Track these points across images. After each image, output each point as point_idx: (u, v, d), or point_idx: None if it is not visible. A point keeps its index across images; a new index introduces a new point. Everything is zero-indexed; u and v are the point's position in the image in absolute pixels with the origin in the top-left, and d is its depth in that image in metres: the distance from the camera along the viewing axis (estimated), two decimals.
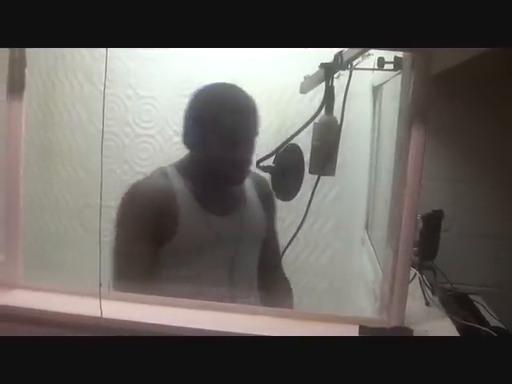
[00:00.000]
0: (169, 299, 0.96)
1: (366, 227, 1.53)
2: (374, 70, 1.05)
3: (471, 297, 1.29)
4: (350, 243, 1.56)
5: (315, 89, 1.26)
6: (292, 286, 1.43)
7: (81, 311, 0.90)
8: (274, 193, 1.09)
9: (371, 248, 1.38)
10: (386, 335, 0.89)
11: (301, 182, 1.08)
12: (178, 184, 1.15)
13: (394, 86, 1.11)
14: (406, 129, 0.89)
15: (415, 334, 0.90)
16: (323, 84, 1.04)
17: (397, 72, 1.02)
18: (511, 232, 1.45)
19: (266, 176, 1.12)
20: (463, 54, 0.84)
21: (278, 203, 1.30)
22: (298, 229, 1.08)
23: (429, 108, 0.87)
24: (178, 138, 1.32)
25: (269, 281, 1.30)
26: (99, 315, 0.86)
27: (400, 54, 0.97)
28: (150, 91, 1.51)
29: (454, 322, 1.01)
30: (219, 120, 1.10)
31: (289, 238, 1.20)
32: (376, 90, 1.46)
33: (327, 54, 1.03)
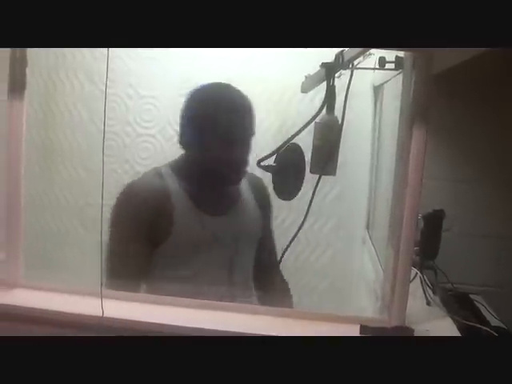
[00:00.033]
0: (169, 298, 0.96)
1: (367, 227, 1.52)
2: (375, 69, 1.05)
3: (472, 297, 1.29)
4: (351, 243, 1.55)
5: (316, 88, 1.26)
6: (293, 286, 1.43)
7: (82, 310, 0.90)
8: (275, 192, 1.09)
9: (372, 248, 1.38)
10: (386, 335, 0.89)
11: (302, 182, 1.08)
12: (173, 184, 1.15)
13: (394, 85, 1.11)
14: (407, 128, 0.89)
15: (416, 334, 0.90)
16: (324, 83, 1.04)
17: (397, 72, 1.02)
18: None
19: (267, 175, 1.12)
20: (463, 54, 0.84)
21: (279, 203, 1.30)
22: (299, 228, 1.08)
23: (430, 108, 0.87)
24: None
25: (266, 281, 1.30)
26: (100, 315, 0.86)
27: (401, 53, 0.97)
28: (150, 91, 1.51)
29: (455, 321, 1.01)
30: (214, 120, 1.10)
31: (289, 238, 1.20)
32: (377, 90, 1.46)
33: (328, 54, 1.02)
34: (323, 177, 1.07)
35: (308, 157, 1.06)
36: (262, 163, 1.05)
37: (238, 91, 1.14)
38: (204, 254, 1.14)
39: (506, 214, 1.44)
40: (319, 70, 1.07)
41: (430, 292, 1.14)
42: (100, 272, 1.10)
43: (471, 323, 1.03)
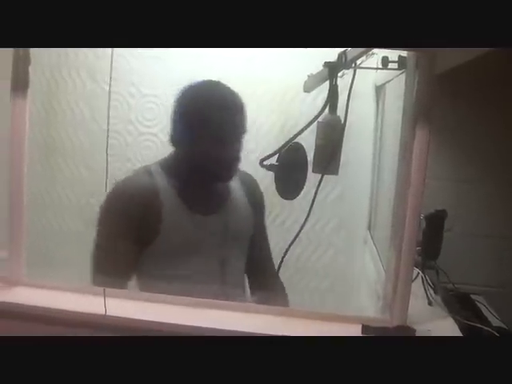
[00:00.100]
0: (171, 297, 0.97)
1: (369, 227, 1.52)
2: (378, 69, 1.05)
3: (473, 297, 1.29)
4: (353, 243, 1.55)
5: (318, 88, 1.26)
6: (294, 286, 1.43)
7: (84, 309, 0.90)
8: (278, 191, 1.09)
9: (374, 247, 1.38)
10: (388, 335, 0.89)
11: (304, 181, 1.08)
12: (162, 182, 1.14)
13: (397, 85, 1.11)
14: (410, 128, 0.89)
15: (418, 334, 0.90)
16: (327, 83, 1.04)
17: (400, 71, 1.02)
18: None
19: (269, 174, 1.12)
20: (467, 54, 0.84)
21: (281, 202, 1.30)
22: (301, 228, 1.07)
23: (433, 107, 0.87)
24: None
25: (258, 278, 1.30)
26: (103, 313, 0.86)
27: (404, 53, 0.96)
28: (153, 89, 1.51)
29: (457, 321, 1.01)
30: (204, 117, 1.10)
31: (291, 238, 1.20)
32: (379, 90, 1.46)
33: (331, 53, 1.02)
34: (325, 176, 1.07)
35: (310, 156, 1.06)
36: (265, 162, 1.05)
37: (229, 89, 1.13)
38: (194, 252, 1.13)
39: (508, 213, 1.44)
40: (322, 70, 1.06)
41: (432, 292, 1.14)
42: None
43: (473, 323, 1.02)
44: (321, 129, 1.02)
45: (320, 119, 1.02)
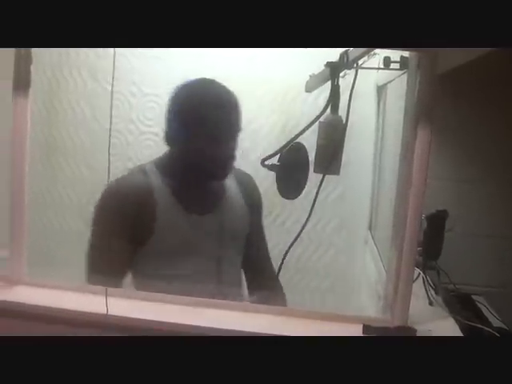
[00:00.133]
0: (170, 297, 0.97)
1: (370, 227, 1.52)
2: (380, 69, 1.05)
3: (474, 297, 1.29)
4: (353, 243, 1.56)
5: (320, 88, 1.26)
6: (294, 286, 1.43)
7: (86, 308, 0.90)
8: (279, 191, 1.08)
9: (374, 248, 1.38)
10: (389, 335, 0.89)
11: (305, 181, 1.08)
12: (157, 181, 1.14)
13: (398, 85, 1.11)
14: (411, 128, 0.89)
15: (419, 334, 0.90)
16: (328, 83, 1.03)
17: (402, 72, 1.02)
18: None
19: (270, 174, 1.12)
20: (469, 54, 0.84)
21: (282, 202, 1.30)
22: (303, 228, 1.07)
23: (434, 108, 0.87)
24: None
25: (256, 278, 1.29)
26: (104, 312, 0.86)
27: (406, 53, 0.96)
28: (154, 89, 1.51)
29: (457, 322, 1.01)
30: (199, 115, 1.09)
31: (292, 237, 1.20)
32: (380, 90, 1.46)
33: (333, 53, 1.02)
34: (326, 176, 1.07)
35: (312, 156, 1.06)
36: (266, 162, 1.05)
37: (224, 87, 1.13)
38: (190, 252, 1.13)
39: (509, 214, 1.43)
40: (324, 70, 1.06)
41: (433, 292, 1.14)
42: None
43: (473, 324, 1.02)
44: (322, 129, 1.02)
45: (322, 119, 1.02)
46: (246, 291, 1.30)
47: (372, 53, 1.01)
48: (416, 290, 1.02)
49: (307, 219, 1.08)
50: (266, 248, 1.33)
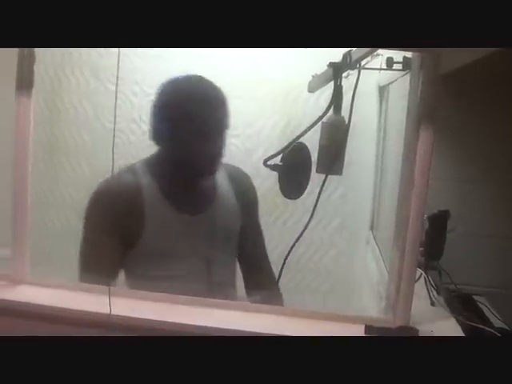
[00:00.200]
0: (172, 296, 0.97)
1: (371, 227, 1.53)
2: (382, 69, 1.05)
3: (475, 298, 1.29)
4: (355, 243, 1.56)
5: (322, 88, 1.26)
6: (295, 286, 1.43)
7: (89, 308, 0.90)
8: (281, 191, 1.08)
9: (376, 248, 1.38)
10: (391, 335, 0.89)
11: (308, 181, 1.08)
12: (146, 181, 1.13)
13: (401, 86, 1.11)
14: (414, 129, 0.89)
15: (421, 334, 0.90)
16: (331, 83, 1.04)
17: (404, 72, 1.02)
18: None
19: (273, 174, 1.12)
20: (472, 54, 0.84)
21: (283, 202, 1.30)
22: (305, 228, 1.07)
23: (437, 108, 0.87)
24: None
25: (253, 277, 1.28)
26: (108, 312, 0.86)
27: (409, 54, 0.96)
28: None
29: (459, 322, 1.01)
30: (185, 112, 1.07)
31: (293, 237, 1.20)
32: (382, 90, 1.46)
33: (336, 53, 1.02)
34: (328, 176, 1.07)
35: (314, 156, 1.06)
36: (269, 162, 1.05)
37: (210, 83, 1.11)
38: (181, 252, 1.12)
39: (511, 214, 1.43)
40: (326, 70, 1.06)
41: (435, 292, 1.14)
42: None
43: (475, 324, 1.03)
44: (325, 129, 1.02)
45: (324, 119, 1.02)
46: (240, 291, 1.28)
47: (375, 53, 1.01)
48: (418, 291, 1.02)
49: (309, 219, 1.08)
50: (263, 245, 1.31)
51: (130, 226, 1.10)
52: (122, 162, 1.50)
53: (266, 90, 1.47)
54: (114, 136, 0.87)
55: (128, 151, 1.53)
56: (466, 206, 1.43)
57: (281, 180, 1.07)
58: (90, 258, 1.09)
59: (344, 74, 1.02)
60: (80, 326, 0.88)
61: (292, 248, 1.10)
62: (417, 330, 0.91)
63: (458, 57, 0.89)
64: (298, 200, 1.14)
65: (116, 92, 0.93)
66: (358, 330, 0.90)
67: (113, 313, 0.85)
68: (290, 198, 1.12)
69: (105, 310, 0.86)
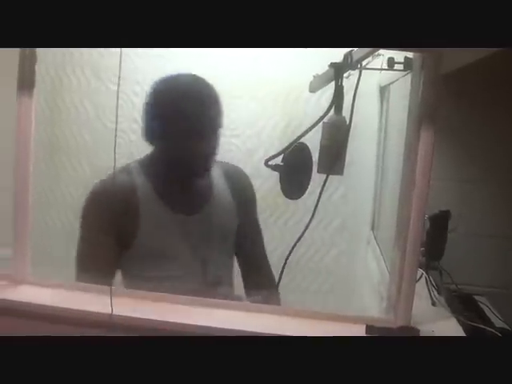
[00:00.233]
0: (173, 296, 0.97)
1: (372, 227, 1.53)
2: (383, 70, 1.05)
3: (476, 298, 1.29)
4: (356, 243, 1.56)
5: (323, 88, 1.26)
6: (296, 285, 1.43)
7: (90, 308, 0.90)
8: (282, 191, 1.08)
9: (377, 248, 1.38)
10: (392, 335, 0.89)
11: (309, 181, 1.08)
12: (140, 181, 1.12)
13: (402, 86, 1.11)
14: (415, 129, 0.89)
15: (422, 334, 0.90)
16: (332, 83, 1.03)
17: (405, 72, 1.02)
18: None
19: (274, 174, 1.12)
20: (473, 54, 0.84)
21: (284, 202, 1.30)
22: (306, 228, 1.07)
23: (438, 108, 0.87)
24: None
25: (251, 276, 1.28)
26: (109, 312, 0.86)
27: (410, 54, 0.96)
28: None
29: (460, 322, 1.01)
30: (177, 111, 1.06)
31: (294, 237, 1.20)
32: (383, 90, 1.46)
33: (337, 54, 1.02)
34: (329, 176, 1.07)
35: (315, 156, 1.06)
36: (270, 162, 1.05)
37: (204, 81, 1.11)
38: (176, 253, 1.12)
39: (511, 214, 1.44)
40: (328, 70, 1.06)
41: (435, 293, 1.14)
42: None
43: (476, 324, 1.03)
44: (326, 129, 1.02)
45: (325, 120, 1.02)
46: (239, 291, 1.28)
47: (376, 53, 1.01)
48: (419, 291, 1.03)
49: (310, 219, 1.08)
50: (262, 244, 1.31)
51: (125, 227, 1.09)
52: (123, 162, 1.51)
53: (267, 90, 1.47)
54: (115, 136, 0.87)
55: (129, 151, 1.53)
56: (467, 206, 1.43)
57: (282, 180, 1.07)
58: (86, 258, 1.09)
59: (345, 74, 1.02)
60: (81, 326, 0.88)
61: (293, 248, 1.10)
62: (418, 330, 0.91)
63: (459, 57, 0.89)
64: (299, 200, 1.14)
65: (118, 92, 0.93)
66: (359, 330, 0.90)
67: (114, 313, 0.85)
68: (291, 198, 1.12)
69: (106, 310, 0.86)
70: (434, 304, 1.10)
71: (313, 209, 1.05)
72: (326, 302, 1.55)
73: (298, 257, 1.52)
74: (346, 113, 1.04)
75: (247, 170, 1.31)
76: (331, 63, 1.02)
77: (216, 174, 1.22)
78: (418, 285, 0.99)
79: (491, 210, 1.44)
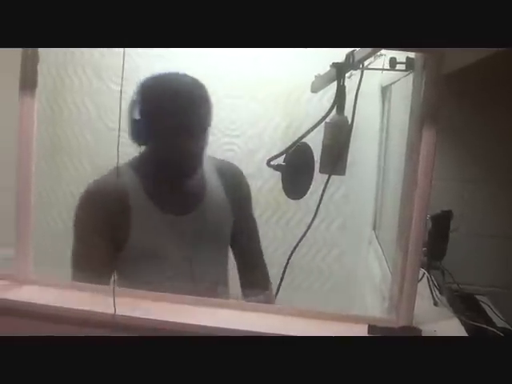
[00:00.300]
0: (174, 296, 0.97)
1: (374, 227, 1.53)
2: (385, 70, 1.05)
3: (477, 297, 1.29)
4: (357, 243, 1.56)
5: (325, 88, 1.26)
6: (298, 285, 1.42)
7: (92, 308, 0.90)
8: (284, 191, 1.08)
9: (379, 248, 1.39)
10: (394, 335, 0.89)
11: (311, 181, 1.08)
12: (130, 182, 1.11)
13: (403, 86, 1.11)
14: (417, 129, 0.89)
15: (424, 334, 0.90)
16: (333, 83, 1.03)
17: (407, 72, 1.02)
18: None
19: (276, 174, 1.12)
20: (475, 54, 0.84)
21: (286, 202, 1.30)
22: (308, 228, 1.07)
23: (440, 108, 0.87)
24: None
25: (246, 275, 1.27)
26: (112, 312, 0.86)
27: (412, 54, 0.96)
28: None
29: (462, 322, 1.01)
30: (163, 110, 1.05)
31: (296, 237, 1.20)
32: (385, 90, 1.46)
33: (339, 54, 1.02)
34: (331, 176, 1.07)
35: (317, 156, 1.06)
36: (272, 162, 1.05)
37: (191, 79, 1.09)
38: (168, 253, 1.11)
39: None
40: (329, 70, 1.06)
41: (437, 292, 1.14)
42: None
43: (478, 324, 1.03)
44: (328, 129, 1.02)
45: (327, 120, 1.02)
46: (237, 290, 1.28)
47: (378, 54, 1.01)
48: (421, 290, 1.02)
49: (312, 219, 1.08)
50: (258, 241, 1.30)
51: (118, 228, 1.09)
52: (123, 160, 1.52)
53: (268, 90, 1.48)
54: (119, 136, 0.87)
55: (130, 151, 1.53)
56: (469, 206, 1.43)
57: (284, 180, 1.07)
58: (80, 258, 1.09)
59: (347, 74, 1.02)
60: (84, 326, 0.88)
61: (295, 248, 1.10)
62: (420, 330, 0.91)
63: (461, 57, 0.89)
64: (301, 200, 1.14)
65: (121, 92, 0.93)
66: (360, 330, 0.90)
67: (117, 313, 0.86)
68: (293, 199, 1.12)
69: (109, 310, 0.87)
70: (435, 304, 1.10)
71: (315, 209, 1.05)
72: (327, 302, 1.54)
73: (300, 256, 1.52)
74: (347, 113, 1.04)
75: (249, 171, 1.31)
76: (333, 63, 1.02)
77: (208, 172, 1.20)
78: (419, 285, 0.99)
79: (493, 209, 1.44)
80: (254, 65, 1.45)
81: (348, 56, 0.99)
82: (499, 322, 1.12)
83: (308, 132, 1.01)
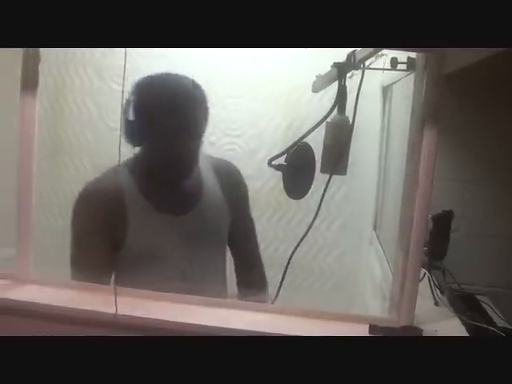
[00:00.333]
0: (176, 296, 0.97)
1: (375, 227, 1.53)
2: (386, 70, 1.05)
3: (478, 297, 1.29)
4: (358, 243, 1.56)
5: (326, 88, 1.26)
6: (299, 285, 1.42)
7: (94, 307, 0.90)
8: (285, 191, 1.08)
9: (380, 248, 1.39)
10: (395, 335, 0.90)
11: (312, 181, 1.08)
12: (127, 182, 1.11)
13: (404, 86, 1.11)
14: (418, 129, 0.89)
15: (425, 334, 0.90)
16: (335, 83, 1.03)
17: (408, 72, 1.02)
18: None
19: (277, 174, 1.12)
20: (476, 54, 0.84)
21: (287, 202, 1.30)
22: (309, 227, 1.07)
23: (441, 108, 0.87)
24: None
25: (242, 274, 1.27)
26: (114, 312, 0.86)
27: (413, 54, 0.96)
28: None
29: (463, 322, 1.01)
30: (156, 111, 1.05)
31: (297, 237, 1.20)
32: (386, 90, 1.46)
33: (340, 53, 1.02)
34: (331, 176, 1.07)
35: (318, 156, 1.06)
36: (273, 162, 1.04)
37: (188, 79, 1.09)
38: (165, 254, 1.11)
39: None
40: (331, 70, 1.07)
41: (438, 292, 1.14)
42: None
43: (478, 324, 1.03)
44: (329, 129, 1.02)
45: (329, 120, 1.02)
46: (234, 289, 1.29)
47: (379, 53, 1.01)
48: (422, 290, 1.02)
49: (313, 219, 1.08)
50: (255, 240, 1.29)
51: (114, 228, 1.09)
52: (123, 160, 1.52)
53: (268, 90, 1.48)
54: (120, 136, 0.87)
55: (131, 150, 1.53)
56: (470, 206, 1.43)
57: (285, 180, 1.06)
58: (78, 257, 1.09)
59: (348, 74, 1.02)
60: (85, 325, 0.88)
61: (296, 248, 1.10)
62: (421, 330, 0.91)
63: (462, 57, 0.89)
64: (302, 200, 1.14)
65: (123, 92, 0.93)
66: (361, 330, 0.90)
67: (119, 312, 0.86)
68: (294, 198, 1.11)
69: (110, 309, 0.87)
70: (436, 304, 1.10)
71: (316, 208, 1.05)
72: (328, 302, 1.54)
73: (301, 256, 1.52)
74: (348, 113, 1.04)
75: (250, 171, 1.31)
76: (334, 63, 1.02)
77: (205, 170, 1.20)
78: (420, 284, 0.99)
79: (494, 209, 1.44)
80: (255, 65, 1.45)
81: (349, 56, 0.99)
82: (500, 322, 1.12)
83: (309, 132, 1.01)
